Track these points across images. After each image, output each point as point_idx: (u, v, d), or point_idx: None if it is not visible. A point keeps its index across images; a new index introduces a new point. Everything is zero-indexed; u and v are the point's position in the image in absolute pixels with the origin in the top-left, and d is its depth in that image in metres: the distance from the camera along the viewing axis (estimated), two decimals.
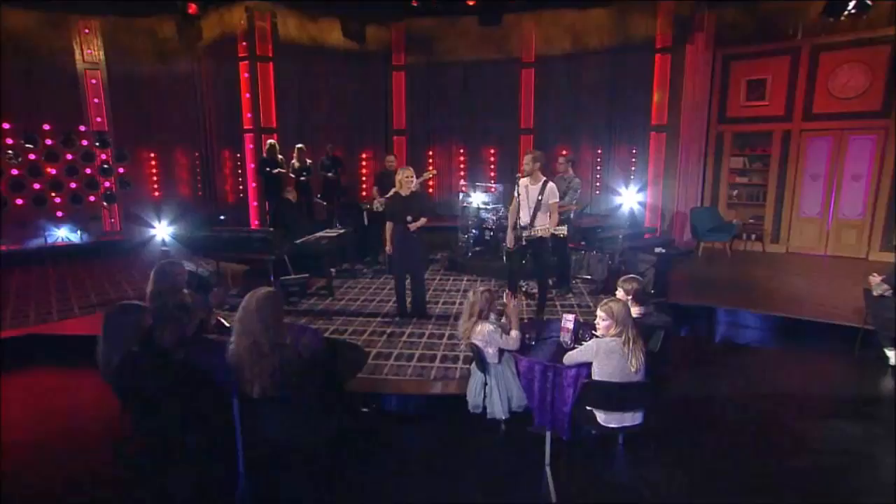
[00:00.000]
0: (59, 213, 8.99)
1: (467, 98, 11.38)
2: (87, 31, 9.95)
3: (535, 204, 5.39)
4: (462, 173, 11.90)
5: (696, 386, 4.73)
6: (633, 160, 10.37)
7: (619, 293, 4.11)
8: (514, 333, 3.65)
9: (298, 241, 6.65)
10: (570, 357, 3.38)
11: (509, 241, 5.60)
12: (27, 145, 8.58)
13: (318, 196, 9.31)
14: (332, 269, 7.79)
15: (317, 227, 7.49)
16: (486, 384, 3.69)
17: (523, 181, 5.54)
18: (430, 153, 11.95)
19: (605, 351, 3.18)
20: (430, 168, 10.36)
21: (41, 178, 8.92)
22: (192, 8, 9.02)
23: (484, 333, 3.62)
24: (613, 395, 3.10)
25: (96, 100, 10.26)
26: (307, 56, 10.39)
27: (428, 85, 11.42)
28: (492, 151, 11.74)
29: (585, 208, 9.64)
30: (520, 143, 11.05)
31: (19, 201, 8.70)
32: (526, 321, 4.78)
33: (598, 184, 10.98)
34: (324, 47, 10.38)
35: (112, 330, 2.99)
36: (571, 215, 6.78)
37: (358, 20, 10.40)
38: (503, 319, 3.83)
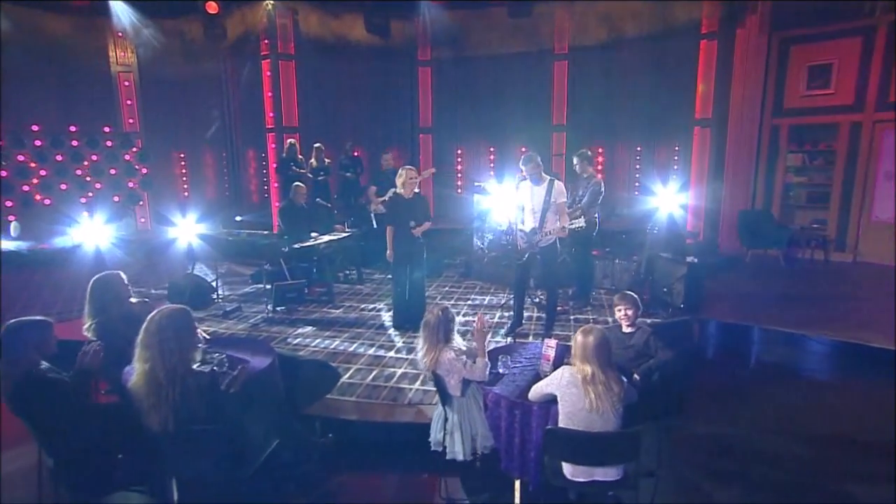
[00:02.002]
0: (86, 213, 9.14)
1: (497, 94, 10.78)
2: (120, 34, 10.11)
3: (542, 206, 4.80)
4: (492, 173, 11.32)
5: (718, 425, 3.98)
6: (676, 158, 9.44)
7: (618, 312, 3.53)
8: (481, 361, 3.11)
9: (297, 245, 6.31)
10: (537, 389, 2.84)
11: (519, 251, 5.00)
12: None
13: (335, 196, 9.01)
14: (341, 274, 7.48)
15: (325, 229, 7.15)
16: (447, 419, 3.17)
17: (524, 184, 4.98)
18: (459, 152, 11.44)
19: (568, 381, 2.63)
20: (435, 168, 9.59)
21: (67, 179, 9.10)
22: (212, 7, 8.96)
23: (444, 361, 3.09)
24: (577, 445, 2.50)
25: (129, 101, 10.45)
26: (330, 53, 10.10)
27: (455, 81, 10.91)
28: (523, 150, 11.02)
29: (613, 210, 8.84)
30: (552, 141, 10.35)
31: (47, 201, 8.92)
32: (502, 345, 4.19)
33: (636, 184, 10.10)
34: (347, 43, 10.07)
35: (10, 348, 2.69)
36: (597, 218, 6.08)
37: (382, 15, 10.05)
38: (474, 343, 3.28)
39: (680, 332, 4.69)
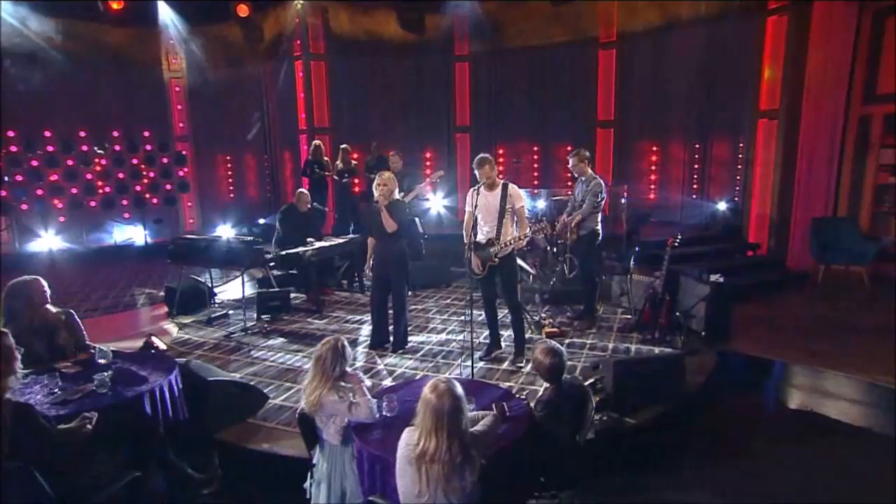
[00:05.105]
0: (127, 215, 9.64)
1: (539, 88, 10.00)
2: (171, 41, 10.56)
3: (498, 214, 4.25)
4: (536, 174, 10.58)
5: (696, 492, 3.12)
6: (740, 156, 8.15)
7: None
8: (363, 400, 2.57)
9: (283, 252, 6.07)
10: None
11: (475, 265, 4.41)
12: (98, 151, 9.30)
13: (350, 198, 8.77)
14: (344, 281, 7.19)
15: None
16: (314, 466, 2.66)
17: (482, 189, 4.38)
18: (501, 151, 10.76)
19: (403, 454, 2.02)
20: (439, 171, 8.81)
21: (110, 181, 9.63)
22: (243, 10, 9.07)
23: (326, 404, 2.57)
24: None
25: (179, 106, 10.92)
26: (362, 51, 9.90)
27: (494, 75, 10.24)
28: (568, 149, 10.16)
29: (649, 217, 7.78)
30: (597, 138, 9.40)
31: (92, 203, 9.51)
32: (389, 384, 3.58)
33: (695, 185, 8.87)
34: (380, 40, 9.81)
35: None
36: (598, 226, 5.26)
37: (416, 9, 9.67)
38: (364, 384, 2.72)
39: (673, 368, 3.80)
